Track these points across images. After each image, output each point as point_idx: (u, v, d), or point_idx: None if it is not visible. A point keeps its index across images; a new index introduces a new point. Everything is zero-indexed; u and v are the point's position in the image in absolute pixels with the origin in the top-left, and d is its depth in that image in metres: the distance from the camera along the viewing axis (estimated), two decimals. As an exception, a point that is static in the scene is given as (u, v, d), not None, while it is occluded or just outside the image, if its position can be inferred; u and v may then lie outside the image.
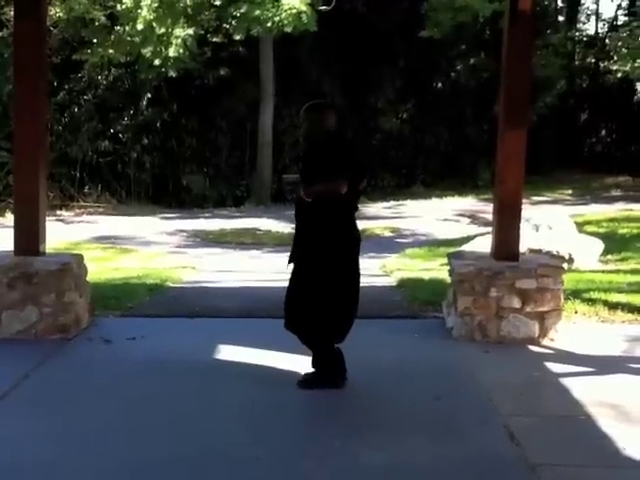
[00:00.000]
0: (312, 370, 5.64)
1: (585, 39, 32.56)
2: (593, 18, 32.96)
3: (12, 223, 7.28)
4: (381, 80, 25.78)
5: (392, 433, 4.84)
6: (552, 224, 11.99)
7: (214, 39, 22.21)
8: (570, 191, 24.31)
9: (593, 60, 31.64)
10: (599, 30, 32.40)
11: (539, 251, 10.48)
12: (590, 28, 32.97)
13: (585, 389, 5.60)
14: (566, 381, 5.83)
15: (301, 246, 5.53)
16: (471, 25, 24.66)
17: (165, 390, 5.59)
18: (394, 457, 4.46)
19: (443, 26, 21.55)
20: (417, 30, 22.06)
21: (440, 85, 27.74)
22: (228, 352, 6.32)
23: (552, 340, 6.81)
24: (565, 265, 7.82)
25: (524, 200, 7.38)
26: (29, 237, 7.00)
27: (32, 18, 6.99)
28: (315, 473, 4.24)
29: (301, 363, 5.84)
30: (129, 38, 19.92)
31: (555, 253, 10.83)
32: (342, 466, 4.34)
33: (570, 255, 11.18)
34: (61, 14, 20.96)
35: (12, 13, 13.54)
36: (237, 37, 20.38)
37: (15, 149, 7.27)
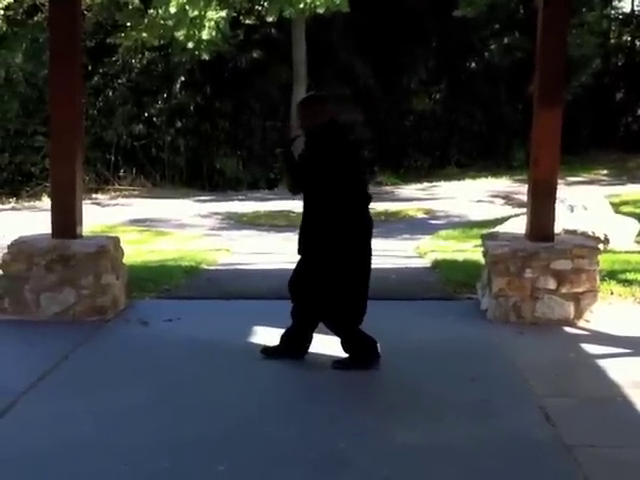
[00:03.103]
0: (346, 355, 5.70)
1: (621, 17, 32.06)
2: (629, -5, 32.46)
3: (49, 207, 7.37)
4: (414, 60, 25.61)
5: (427, 414, 4.86)
6: (587, 204, 11.89)
7: (247, 21, 22.23)
8: (606, 171, 24.02)
9: (629, 38, 31.17)
10: (635, 8, 31.90)
11: (574, 232, 10.40)
12: (626, 6, 32.45)
13: (621, 370, 5.58)
14: (602, 362, 5.80)
15: (310, 235, 5.59)
16: (505, 4, 24.40)
17: (201, 371, 5.65)
18: (430, 437, 4.49)
19: (476, 5, 21.36)
20: (450, 9, 21.87)
21: (473, 65, 27.46)
22: (263, 333, 6.37)
23: (587, 321, 6.78)
24: (601, 246, 7.78)
25: (559, 181, 7.34)
26: (66, 220, 7.09)
27: (67, 2, 7.05)
28: (351, 453, 4.27)
29: (334, 344, 5.87)
30: (162, 21, 19.96)
31: (590, 234, 10.74)
32: (378, 446, 4.37)
33: (606, 236, 11.09)
34: (95, -2, 21.10)
35: (47, -2, 13.64)
36: (269, 19, 20.37)
37: (51, 133, 7.34)
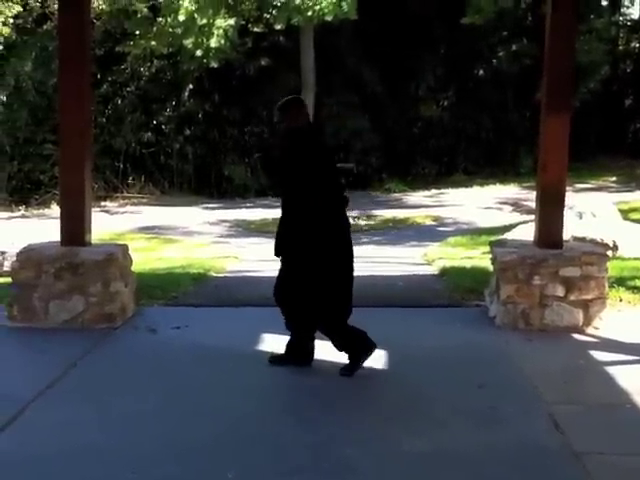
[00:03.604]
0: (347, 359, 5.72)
1: (629, 24, 32.05)
2: (637, 2, 32.40)
3: (58, 214, 7.39)
4: (421, 67, 25.65)
5: (435, 421, 4.85)
6: (596, 211, 11.88)
7: (255, 29, 22.26)
8: (614, 178, 23.98)
9: (637, 45, 31.15)
10: (643, 14, 31.89)
11: (583, 239, 10.38)
12: (634, 12, 32.46)
13: (630, 377, 5.56)
14: (611, 369, 5.78)
15: (287, 238, 5.62)
16: (513, 11, 24.40)
17: (209, 378, 5.65)
18: (437, 444, 4.48)
19: (484, 12, 21.38)
20: (458, 16, 21.90)
21: (481, 72, 27.49)
22: (270, 340, 6.36)
23: (596, 328, 6.76)
24: (609, 253, 7.75)
25: (567, 187, 7.32)
26: (75, 228, 7.11)
27: (76, 10, 7.08)
28: (358, 459, 4.26)
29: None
30: (171, 29, 20.06)
31: (599, 241, 10.72)
32: (385, 452, 4.37)
33: (614, 242, 11.07)
34: (104, 6, 21.22)
35: (56, 6, 13.69)
36: (278, 27, 20.41)
37: (60, 141, 7.37)
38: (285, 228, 5.64)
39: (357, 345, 5.67)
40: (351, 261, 5.70)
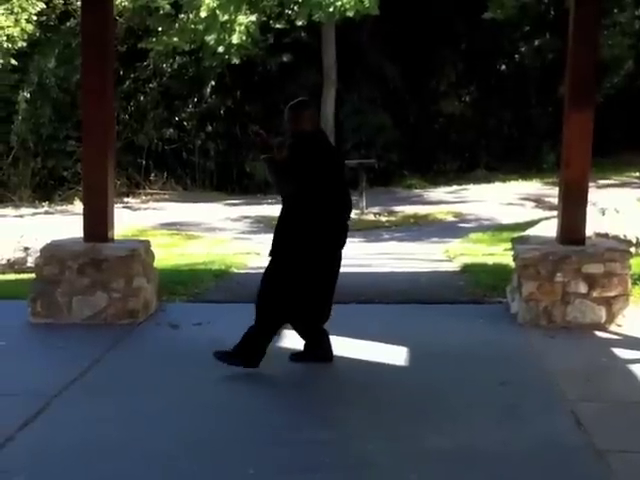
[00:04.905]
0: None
1: (653, 17, 31.78)
2: (662, -4, 32.10)
3: (81, 210, 7.44)
4: (443, 63, 25.55)
5: (457, 418, 4.84)
6: (619, 207, 11.78)
7: (276, 25, 22.25)
8: (638, 174, 23.75)
9: (662, 39, 30.87)
10: (668, 8, 31.56)
11: (606, 235, 10.32)
12: (659, 6, 32.16)
13: (653, 375, 5.53)
14: (634, 367, 5.75)
15: (283, 237, 5.63)
16: (535, 5, 24.25)
17: (231, 374, 5.66)
18: (458, 442, 4.47)
19: (506, 7, 21.26)
20: (480, 12, 21.80)
21: (503, 67, 27.36)
22: (290, 336, 6.37)
23: (619, 325, 6.73)
24: (633, 249, 7.70)
25: (590, 183, 7.28)
26: (98, 224, 7.15)
27: (99, 8, 7.13)
28: (379, 456, 4.27)
29: (364, 348, 5.89)
30: (193, 26, 20.11)
31: (622, 237, 10.65)
32: (408, 450, 4.37)
33: (638, 239, 10.98)
34: (126, 3, 21.26)
35: (79, 3, 13.76)
36: (299, 23, 20.40)
37: (83, 138, 7.43)
38: (283, 228, 5.64)
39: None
40: (336, 270, 5.73)
